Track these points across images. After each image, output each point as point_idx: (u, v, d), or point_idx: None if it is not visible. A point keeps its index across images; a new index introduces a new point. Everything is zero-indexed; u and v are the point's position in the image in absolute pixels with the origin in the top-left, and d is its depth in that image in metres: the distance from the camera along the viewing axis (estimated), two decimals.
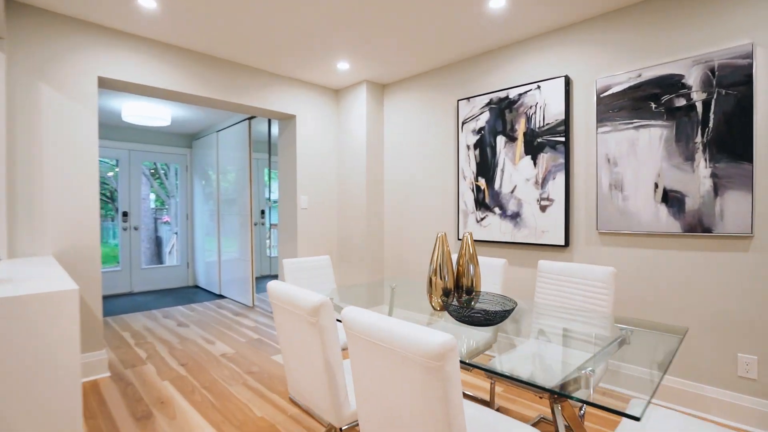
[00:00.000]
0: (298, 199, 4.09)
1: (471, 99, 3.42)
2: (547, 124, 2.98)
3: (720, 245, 2.35)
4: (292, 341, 1.58)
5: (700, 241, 2.41)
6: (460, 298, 1.90)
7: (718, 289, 2.36)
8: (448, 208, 3.65)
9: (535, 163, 3.05)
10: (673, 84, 2.47)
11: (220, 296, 5.69)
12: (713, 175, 2.34)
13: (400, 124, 4.05)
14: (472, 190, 3.43)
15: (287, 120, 4.19)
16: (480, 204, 3.38)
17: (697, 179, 2.39)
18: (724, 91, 2.31)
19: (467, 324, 1.68)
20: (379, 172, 4.18)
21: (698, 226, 2.39)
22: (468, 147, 3.46)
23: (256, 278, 7.05)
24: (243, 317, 4.52)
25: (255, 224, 7.05)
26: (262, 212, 7.11)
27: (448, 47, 3.29)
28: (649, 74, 2.55)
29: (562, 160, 2.91)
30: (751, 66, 2.22)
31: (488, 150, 3.32)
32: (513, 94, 3.16)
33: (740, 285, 2.29)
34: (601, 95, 2.73)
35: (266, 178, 7.37)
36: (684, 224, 2.44)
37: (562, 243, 2.90)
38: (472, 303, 1.88)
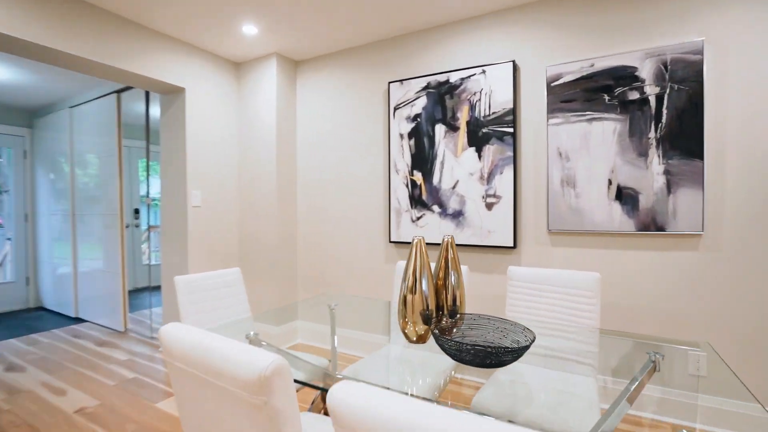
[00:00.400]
0: (189, 194, 3.23)
1: (405, 82, 2.99)
2: (493, 113, 2.69)
3: (672, 244, 2.27)
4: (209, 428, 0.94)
5: (654, 240, 2.32)
6: (451, 327, 1.43)
7: (670, 289, 2.28)
8: (377, 206, 3.18)
9: (479, 156, 2.74)
10: (626, 76, 2.34)
11: (77, 320, 4.42)
12: (666, 172, 2.25)
13: (318, 109, 3.45)
14: (407, 186, 3.01)
15: (173, 95, 3.29)
16: (416, 201, 2.97)
17: (650, 176, 2.29)
18: (676, 86, 2.22)
19: (474, 365, 1.22)
20: (291, 164, 3.52)
21: (652, 224, 2.29)
22: (401, 136, 3.03)
23: (130, 293, 5.76)
24: (111, 348, 3.47)
25: (127, 226, 5.75)
26: (137, 211, 5.83)
27: (378, 19, 2.81)
28: (602, 64, 2.39)
29: (510, 153, 2.64)
30: (702, 62, 2.16)
31: (425, 140, 2.93)
32: (455, 78, 2.81)
33: (690, 285, 2.23)
34: (552, 84, 2.52)
35: (142, 171, 6.07)
36: (638, 223, 2.32)
37: (511, 244, 2.64)
38: (469, 332, 1.43)
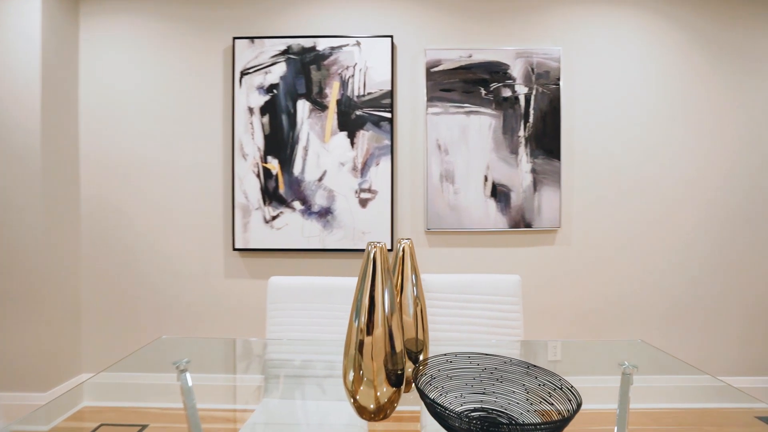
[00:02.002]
0: None
1: (257, 41, 2.31)
2: (368, 94, 2.31)
3: (537, 239, 2.37)
4: None
5: (523, 236, 2.37)
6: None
7: (536, 283, 2.37)
8: (213, 202, 2.36)
9: (352, 143, 2.32)
10: (500, 72, 2.33)
11: None
12: (533, 171, 2.33)
13: (118, 65, 2.37)
14: (258, 175, 2.32)
15: None
16: (271, 196, 2.32)
17: (520, 174, 2.33)
18: (540, 89, 2.33)
19: None
20: (70, 140, 2.31)
21: (521, 221, 2.33)
22: (251, 110, 2.33)
23: None
24: None
25: None
26: None
27: None
28: (479, 57, 2.33)
29: (387, 142, 2.31)
30: (559, 70, 2.32)
31: (284, 118, 2.32)
32: (323, 46, 2.32)
33: (548, 276, 2.37)
34: (432, 70, 2.32)
35: None
36: (510, 220, 2.33)
37: (388, 247, 2.31)
38: (471, 395, 0.97)
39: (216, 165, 2.36)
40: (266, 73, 2.31)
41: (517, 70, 2.33)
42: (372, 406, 0.93)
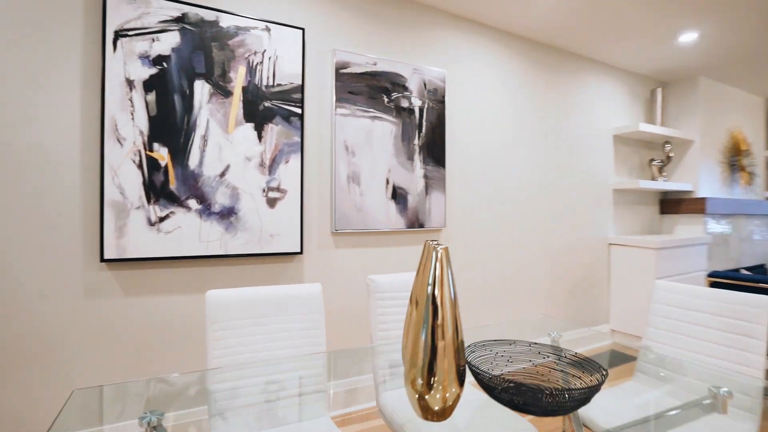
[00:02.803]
0: None
1: None
2: (278, 85, 2.15)
3: (426, 238, 2.66)
4: None
5: (417, 235, 2.62)
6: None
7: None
8: (67, 197, 1.76)
9: (260, 137, 2.11)
10: (400, 84, 2.52)
11: None
12: (425, 176, 2.62)
13: None
14: (141, 166, 1.85)
15: None
16: (158, 193, 1.89)
17: (415, 178, 2.58)
18: (431, 104, 2.63)
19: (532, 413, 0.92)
20: None
21: (416, 222, 2.58)
22: (131, 84, 1.83)
23: None
24: None
25: None
26: None
27: None
28: (383, 66, 2.46)
29: (297, 139, 2.20)
30: (444, 89, 2.68)
31: (178, 99, 1.92)
32: (228, 22, 2.02)
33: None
34: (341, 71, 2.33)
35: None
36: (407, 220, 2.55)
37: (298, 249, 2.20)
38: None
39: (72, 149, 1.76)
40: (153, 40, 1.87)
41: (413, 84, 2.56)
42: (438, 407, 0.97)
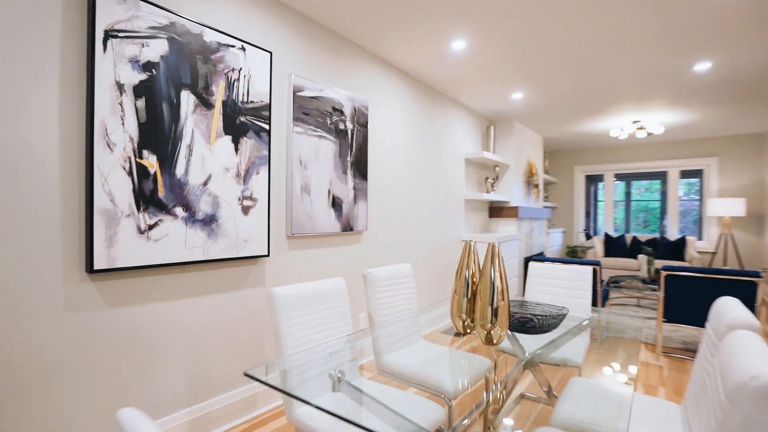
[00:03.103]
0: None
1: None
2: (251, 102, 2.32)
3: (354, 239, 3.14)
4: None
5: (348, 237, 3.07)
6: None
7: (355, 268, 3.13)
8: (48, 204, 1.59)
9: (236, 149, 2.24)
10: (338, 109, 2.93)
11: None
12: (354, 188, 3.09)
13: None
14: (131, 173, 1.80)
15: None
16: (148, 200, 1.86)
17: (348, 189, 3.03)
18: (359, 127, 3.13)
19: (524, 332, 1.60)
20: None
21: (348, 225, 3.03)
22: (121, 88, 1.77)
23: None
24: None
25: None
26: None
27: None
28: (327, 93, 2.84)
29: (265, 152, 2.40)
30: (368, 116, 3.21)
31: (166, 107, 1.93)
32: (211, 38, 2.10)
33: (361, 262, 3.20)
34: (297, 93, 2.62)
35: None
36: (342, 225, 2.98)
37: (265, 252, 2.40)
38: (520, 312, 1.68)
39: (52, 151, 1.62)
40: (144, 45, 1.84)
41: (347, 110, 3.01)
42: (495, 339, 1.57)
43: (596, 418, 1.41)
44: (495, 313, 1.50)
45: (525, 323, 1.71)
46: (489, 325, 1.49)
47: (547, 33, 2.89)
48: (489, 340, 1.52)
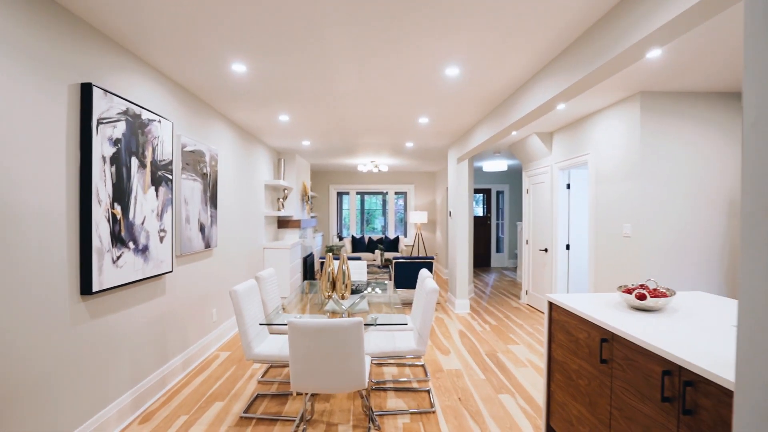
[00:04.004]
0: None
1: (109, 95, 2.50)
2: (163, 160, 3.16)
3: (210, 253, 4.15)
4: None
5: (208, 251, 4.06)
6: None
7: (213, 274, 4.14)
8: (57, 248, 2.22)
9: (157, 195, 3.07)
10: (203, 158, 3.91)
11: None
12: (211, 215, 4.11)
13: None
14: (108, 220, 2.51)
15: None
16: (116, 238, 2.59)
17: (208, 217, 4.04)
18: (213, 170, 4.15)
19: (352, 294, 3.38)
20: None
21: (208, 244, 4.04)
22: (104, 159, 2.47)
23: None
24: None
25: None
26: None
27: None
28: (198, 146, 3.79)
29: (170, 196, 3.26)
30: (218, 161, 4.26)
31: (124, 171, 2.67)
32: (146, 116, 2.89)
33: (215, 270, 4.23)
34: (183, 149, 3.52)
35: None
36: (205, 243, 3.97)
37: (170, 269, 3.27)
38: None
39: (61, 210, 2.26)
40: (114, 127, 2.58)
41: (207, 158, 4.01)
42: (343, 297, 3.28)
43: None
44: (346, 286, 3.20)
45: (353, 291, 3.47)
46: (343, 292, 3.18)
47: (325, 115, 4.76)
48: (342, 297, 3.21)
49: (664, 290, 2.23)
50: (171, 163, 3.27)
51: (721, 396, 1.35)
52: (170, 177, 3.25)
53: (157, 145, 3.06)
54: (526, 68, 3.05)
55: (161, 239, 3.12)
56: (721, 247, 3.71)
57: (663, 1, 1.81)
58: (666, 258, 3.68)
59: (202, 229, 3.87)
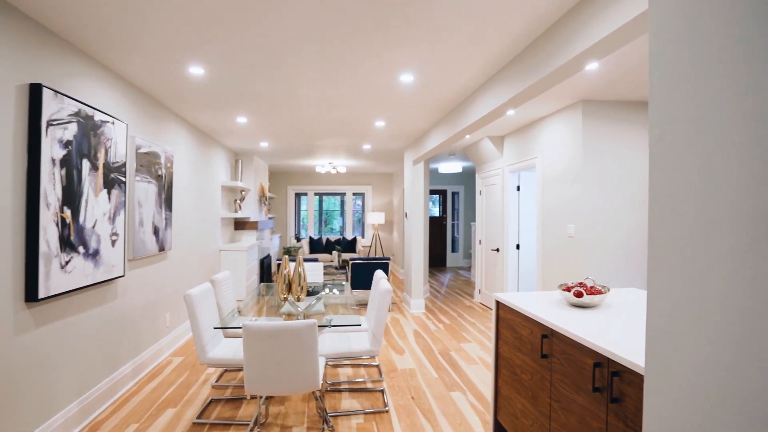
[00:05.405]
0: None
1: (61, 96, 2.41)
2: (116, 162, 3.07)
3: (165, 256, 4.05)
4: None
5: (163, 254, 3.96)
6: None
7: (169, 278, 4.03)
8: (3, 255, 2.13)
9: (109, 198, 2.98)
10: (158, 159, 3.82)
11: None
12: (165, 218, 4.01)
13: None
14: (57, 224, 2.42)
15: None
16: (66, 243, 2.50)
17: (162, 219, 3.94)
18: (168, 171, 4.06)
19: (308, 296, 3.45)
20: None
21: (162, 246, 3.94)
22: (54, 162, 2.38)
23: None
24: None
25: None
26: None
27: None
28: (153, 148, 3.70)
29: (123, 198, 3.17)
30: (173, 163, 4.16)
31: (75, 173, 2.58)
32: (99, 117, 2.80)
33: (172, 271, 4.12)
34: (137, 151, 3.43)
35: None
36: (159, 246, 3.88)
37: (122, 273, 3.18)
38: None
39: (8, 214, 2.17)
40: (65, 129, 2.49)
41: (162, 159, 3.91)
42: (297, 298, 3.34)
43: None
44: (302, 288, 3.25)
45: (309, 293, 3.53)
46: (299, 294, 3.24)
47: (284, 118, 4.79)
48: (298, 299, 3.26)
49: (600, 288, 2.47)
50: (124, 165, 3.18)
51: (642, 384, 1.56)
52: (123, 179, 3.16)
53: (110, 147, 2.97)
54: (477, 76, 3.25)
55: (113, 243, 3.03)
56: None
57: (597, 20, 2.03)
58: (606, 257, 4.02)
59: (156, 231, 3.78)
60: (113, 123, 3.02)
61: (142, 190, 3.52)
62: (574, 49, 2.18)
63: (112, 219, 3.03)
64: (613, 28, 1.90)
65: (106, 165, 2.94)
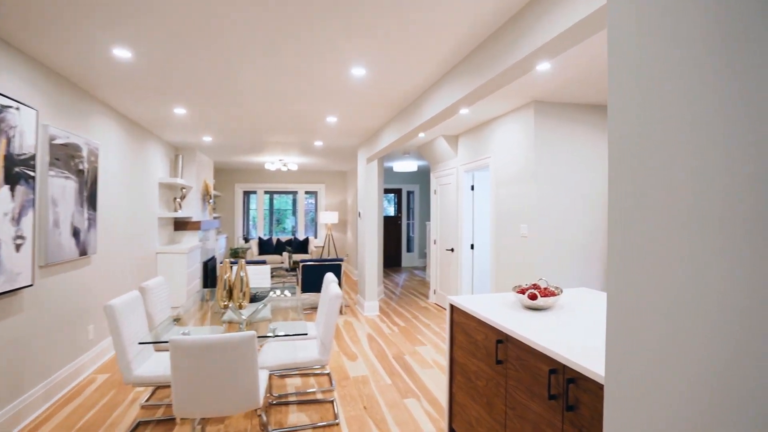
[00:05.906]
0: None
1: None
2: (23, 154, 2.66)
3: (88, 261, 3.62)
4: None
5: (85, 259, 3.53)
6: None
7: (94, 280, 3.61)
8: None
9: (13, 196, 2.57)
10: (79, 152, 3.39)
11: None
12: (88, 218, 3.58)
13: None
14: None
15: None
16: None
17: (84, 219, 3.52)
18: (92, 166, 3.63)
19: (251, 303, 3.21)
20: None
21: (85, 250, 3.52)
22: None
23: None
24: None
25: None
26: None
27: None
28: (73, 139, 3.28)
29: (32, 196, 2.77)
30: (98, 156, 3.73)
31: None
32: None
33: (98, 275, 3.69)
34: (52, 142, 3.01)
35: None
36: (80, 250, 3.45)
37: (30, 282, 2.77)
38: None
39: None
40: None
41: (85, 153, 3.49)
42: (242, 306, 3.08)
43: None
44: (244, 294, 3.00)
45: (254, 299, 3.27)
46: (240, 301, 2.98)
47: (227, 110, 4.48)
48: (240, 306, 3.00)
49: (554, 289, 2.43)
50: (34, 157, 2.76)
51: (598, 391, 1.49)
52: (32, 174, 2.75)
53: (13, 136, 2.56)
54: (430, 73, 3.14)
55: (18, 247, 2.63)
56: (602, 245, 4.21)
57: (545, 22, 1.97)
58: (558, 256, 4.06)
59: (76, 233, 3.35)
60: (18, 108, 2.61)
61: (59, 187, 3.10)
62: (523, 50, 2.14)
63: (17, 220, 2.62)
64: (561, 29, 1.87)
65: (9, 157, 2.53)
